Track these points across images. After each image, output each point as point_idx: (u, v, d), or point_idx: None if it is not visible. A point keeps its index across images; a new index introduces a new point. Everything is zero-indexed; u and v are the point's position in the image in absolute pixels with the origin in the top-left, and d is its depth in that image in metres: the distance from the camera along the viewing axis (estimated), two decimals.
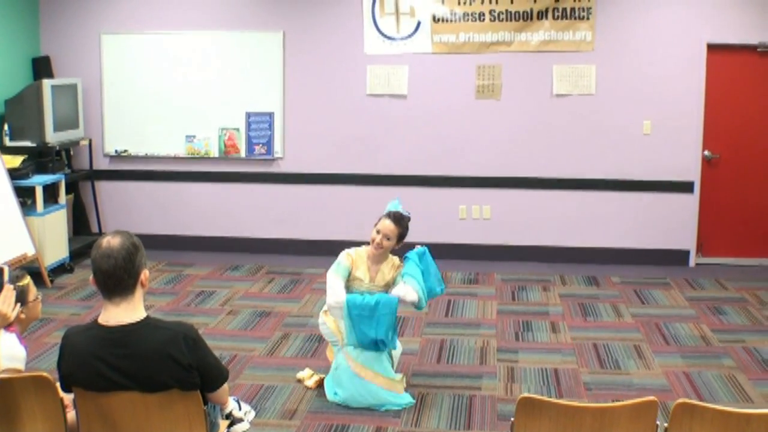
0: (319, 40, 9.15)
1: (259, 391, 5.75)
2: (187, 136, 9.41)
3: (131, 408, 3.25)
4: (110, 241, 3.21)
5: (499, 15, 8.81)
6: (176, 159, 9.49)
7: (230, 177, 9.46)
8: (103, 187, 9.69)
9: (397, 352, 5.77)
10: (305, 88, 9.23)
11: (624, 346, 6.62)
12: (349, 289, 5.51)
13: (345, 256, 5.58)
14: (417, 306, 5.50)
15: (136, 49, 9.40)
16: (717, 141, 8.90)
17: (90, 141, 9.48)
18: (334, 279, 5.53)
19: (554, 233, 9.13)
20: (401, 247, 5.63)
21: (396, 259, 5.63)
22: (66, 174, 9.03)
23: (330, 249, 9.31)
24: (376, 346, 5.42)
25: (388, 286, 5.55)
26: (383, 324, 5.35)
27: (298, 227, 9.41)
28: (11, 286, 3.53)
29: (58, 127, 8.77)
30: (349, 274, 5.53)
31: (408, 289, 5.40)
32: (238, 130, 9.34)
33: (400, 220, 5.49)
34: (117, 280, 3.20)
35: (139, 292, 3.28)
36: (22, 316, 3.79)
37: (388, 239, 5.44)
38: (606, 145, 8.92)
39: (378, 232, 5.47)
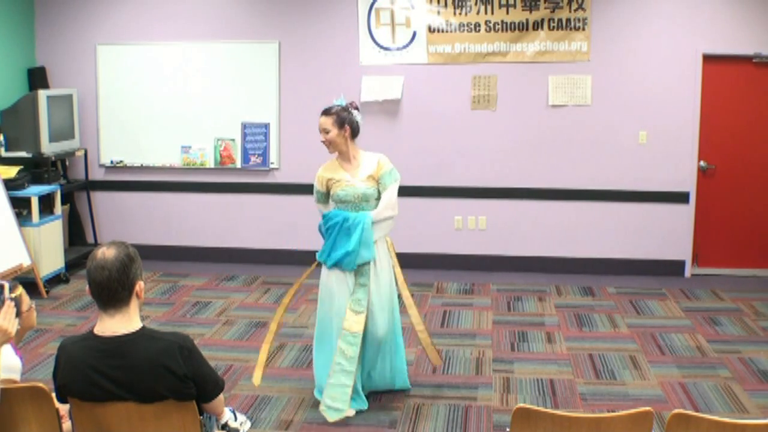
0: (315, 51, 9.17)
1: (255, 401, 5.74)
2: (182, 147, 9.41)
3: (127, 419, 3.24)
4: (105, 253, 3.21)
5: (494, 25, 8.83)
6: (172, 169, 9.49)
7: (226, 187, 9.46)
8: (99, 197, 9.69)
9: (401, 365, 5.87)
10: (301, 99, 9.24)
11: (620, 356, 6.62)
12: (335, 194, 5.50)
13: (316, 180, 5.62)
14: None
15: (132, 59, 9.41)
16: (712, 151, 8.92)
17: (86, 151, 9.48)
18: (321, 208, 5.66)
19: (550, 244, 9.13)
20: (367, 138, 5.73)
21: (378, 157, 5.61)
22: (62, 184, 9.02)
23: None
24: (348, 257, 5.40)
25: (375, 180, 5.51)
26: (354, 237, 5.37)
27: (294, 238, 9.40)
28: (12, 303, 3.52)
29: (53, 138, 8.77)
30: (328, 190, 5.55)
31: (378, 210, 5.46)
32: (233, 140, 9.35)
33: (329, 110, 5.50)
34: (111, 291, 3.20)
35: (134, 303, 3.28)
36: (17, 326, 3.78)
37: (328, 131, 5.46)
38: (602, 156, 8.94)
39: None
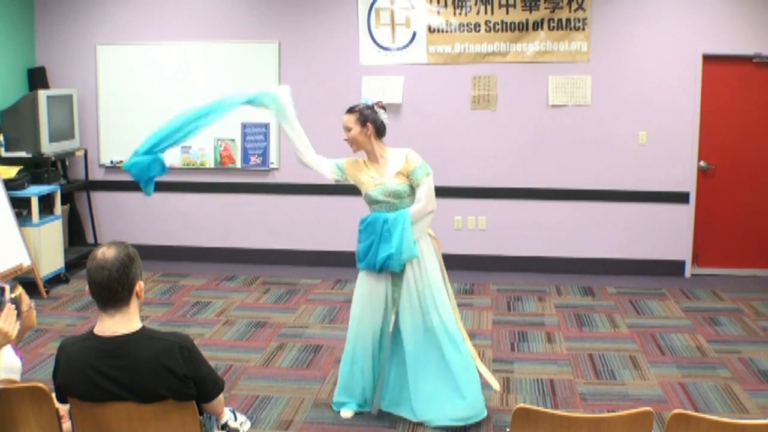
0: (315, 51, 9.17)
1: (255, 401, 5.74)
2: (182, 147, 9.39)
3: (127, 419, 3.24)
4: (105, 253, 3.22)
5: (494, 26, 8.83)
6: (172, 169, 9.39)
7: (226, 188, 9.46)
8: (99, 197, 9.69)
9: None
10: (301, 99, 9.11)
11: (620, 356, 6.62)
12: (367, 194, 5.37)
13: (341, 160, 5.52)
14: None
15: (132, 59, 9.41)
16: (712, 151, 8.92)
17: (86, 151, 9.48)
18: (320, 163, 5.57)
19: (550, 244, 9.13)
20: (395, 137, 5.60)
21: (406, 152, 5.42)
22: (61, 184, 9.02)
23: (325, 260, 9.36)
24: (391, 259, 5.25)
25: (406, 176, 5.35)
26: (395, 237, 5.24)
27: (294, 238, 9.41)
28: (12, 305, 3.51)
29: (53, 138, 8.77)
30: (345, 171, 5.46)
31: (417, 207, 5.34)
32: (233, 140, 9.35)
33: (352, 108, 5.41)
34: (111, 291, 3.20)
35: (134, 304, 3.28)
36: (18, 328, 3.78)
37: (349, 129, 5.36)
38: (601, 156, 8.94)
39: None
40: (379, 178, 5.35)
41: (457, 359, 5.33)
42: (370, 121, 5.33)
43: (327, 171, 5.51)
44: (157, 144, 5.28)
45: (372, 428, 5.35)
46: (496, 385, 5.59)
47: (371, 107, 5.38)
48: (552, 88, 8.89)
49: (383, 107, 5.44)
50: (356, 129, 5.34)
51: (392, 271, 5.30)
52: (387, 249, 5.22)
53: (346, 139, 5.42)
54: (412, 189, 5.35)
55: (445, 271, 5.53)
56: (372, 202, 5.37)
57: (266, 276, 8.98)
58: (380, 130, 5.40)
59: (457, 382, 5.32)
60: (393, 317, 5.41)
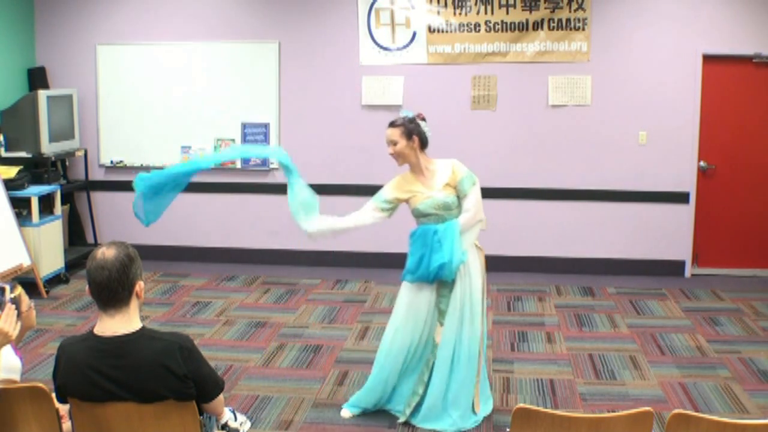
0: (315, 51, 9.17)
1: (255, 401, 5.74)
2: (182, 147, 9.41)
3: (127, 419, 3.24)
4: (105, 253, 3.21)
5: (494, 26, 8.83)
6: None
7: (226, 188, 9.46)
8: (99, 197, 9.69)
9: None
10: (301, 99, 9.24)
11: (620, 356, 6.62)
12: (415, 208, 5.32)
13: (384, 190, 5.43)
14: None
15: (132, 59, 9.41)
16: (712, 151, 8.93)
17: (85, 151, 9.48)
18: (373, 207, 5.43)
19: (550, 244, 9.13)
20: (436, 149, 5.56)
21: (452, 162, 5.38)
22: (61, 185, 9.02)
23: (325, 260, 9.36)
24: (444, 269, 5.22)
25: (453, 187, 5.30)
26: (446, 247, 5.21)
27: (294, 238, 9.40)
28: (13, 306, 3.51)
29: (53, 138, 8.77)
30: (395, 203, 5.37)
31: (466, 217, 5.29)
32: (233, 140, 9.35)
33: (394, 121, 5.36)
34: (111, 291, 3.20)
35: (134, 304, 3.28)
36: (18, 329, 3.77)
37: (395, 143, 5.29)
38: (601, 156, 8.94)
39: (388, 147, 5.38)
40: (426, 192, 5.30)
41: (461, 374, 5.34)
42: (416, 134, 5.30)
43: (373, 220, 5.44)
44: (163, 184, 5.54)
45: (372, 428, 5.34)
46: (477, 409, 5.50)
47: (413, 120, 5.34)
48: (552, 88, 8.90)
49: (424, 119, 5.41)
50: (402, 143, 5.29)
51: (444, 280, 5.28)
52: (439, 259, 5.19)
53: (391, 153, 5.35)
54: (459, 200, 5.32)
55: (485, 285, 5.50)
56: (420, 215, 5.33)
57: (266, 276, 8.98)
58: (424, 142, 5.38)
59: (453, 394, 5.36)
60: (440, 329, 5.36)
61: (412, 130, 5.29)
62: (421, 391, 5.41)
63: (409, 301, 5.37)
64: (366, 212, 5.43)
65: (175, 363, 3.20)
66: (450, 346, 5.30)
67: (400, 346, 5.37)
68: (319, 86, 9.18)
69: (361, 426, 5.37)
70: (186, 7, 9.29)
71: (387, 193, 5.41)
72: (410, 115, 5.37)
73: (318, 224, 5.45)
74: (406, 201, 5.36)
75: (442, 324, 5.34)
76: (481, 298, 5.37)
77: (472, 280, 5.33)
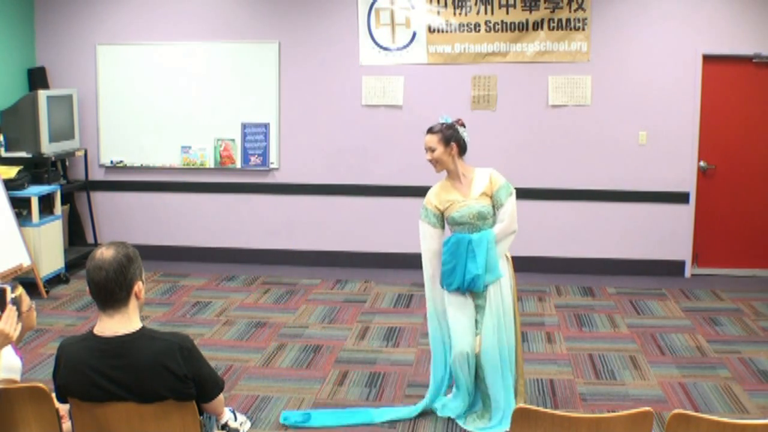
0: (315, 51, 9.17)
1: (255, 401, 5.74)
2: (182, 147, 9.41)
3: (127, 419, 3.24)
4: (103, 253, 3.21)
5: (494, 26, 8.83)
6: (172, 170, 9.49)
7: (226, 188, 9.46)
8: (99, 197, 9.68)
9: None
10: (301, 99, 9.24)
11: (620, 356, 6.62)
12: (450, 216, 5.32)
13: (427, 203, 5.39)
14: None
15: (132, 59, 9.41)
16: (712, 152, 8.93)
17: (86, 152, 9.48)
18: (425, 228, 5.39)
19: (550, 244, 9.13)
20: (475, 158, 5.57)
21: (490, 172, 5.43)
22: (61, 185, 9.02)
23: (325, 260, 9.36)
24: (477, 280, 5.22)
25: (489, 197, 5.34)
26: (480, 258, 5.21)
27: (294, 238, 9.41)
28: (14, 307, 3.51)
29: (53, 138, 8.77)
30: (441, 212, 5.34)
31: (500, 227, 5.32)
32: (233, 140, 9.35)
33: (432, 128, 5.34)
34: (109, 292, 3.19)
35: (133, 304, 3.27)
36: (19, 329, 3.77)
37: (434, 150, 5.28)
38: (601, 156, 8.94)
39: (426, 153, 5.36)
40: (462, 200, 5.30)
41: (502, 379, 5.35)
42: (454, 141, 5.29)
43: (439, 242, 5.39)
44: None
45: (372, 428, 5.34)
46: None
47: (452, 125, 5.33)
48: (552, 88, 8.89)
49: (463, 125, 5.40)
50: (440, 149, 5.28)
51: (476, 291, 5.28)
52: (473, 270, 5.20)
53: (429, 160, 5.34)
54: (494, 209, 5.34)
55: (515, 293, 5.51)
56: (455, 223, 5.31)
57: (266, 276, 8.98)
58: (463, 149, 5.37)
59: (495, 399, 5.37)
60: (477, 339, 5.35)
61: (450, 137, 5.29)
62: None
63: (460, 306, 5.34)
64: (430, 243, 5.39)
65: (175, 363, 3.19)
66: (492, 353, 5.29)
67: (462, 351, 5.32)
68: (319, 86, 9.18)
69: (361, 426, 5.37)
70: (186, 7, 9.29)
71: (430, 208, 5.38)
72: (449, 121, 5.35)
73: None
74: (445, 210, 5.35)
75: (477, 334, 5.33)
76: (511, 307, 5.39)
77: (503, 289, 5.35)
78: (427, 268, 5.40)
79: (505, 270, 5.42)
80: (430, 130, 5.33)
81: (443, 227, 5.40)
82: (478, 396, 5.47)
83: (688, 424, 3.22)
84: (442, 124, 5.34)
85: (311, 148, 9.22)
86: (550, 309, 7.89)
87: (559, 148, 8.97)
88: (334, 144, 9.24)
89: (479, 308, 5.33)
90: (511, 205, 5.36)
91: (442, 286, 5.37)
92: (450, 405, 5.51)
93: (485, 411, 5.40)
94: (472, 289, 5.27)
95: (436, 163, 5.33)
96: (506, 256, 5.48)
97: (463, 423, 5.39)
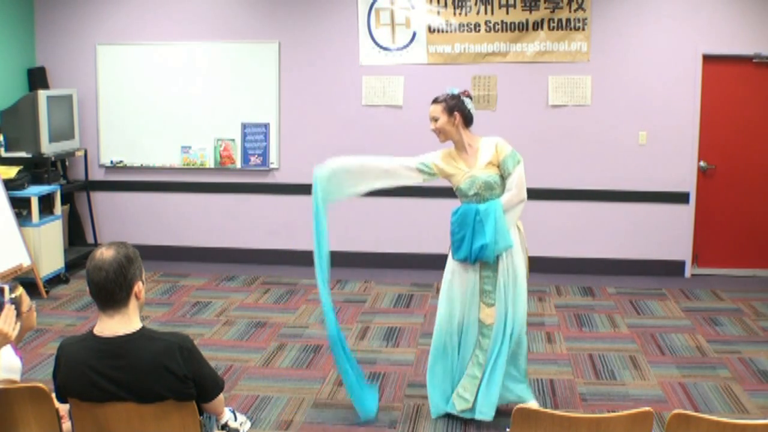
0: (315, 51, 9.17)
1: (255, 401, 5.74)
2: (182, 147, 9.41)
3: (127, 419, 3.24)
4: (103, 254, 3.21)
5: (494, 26, 8.83)
6: (172, 170, 9.49)
7: (226, 188, 9.46)
8: (99, 197, 9.68)
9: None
10: (301, 99, 9.24)
11: (620, 356, 6.62)
12: (458, 188, 5.32)
13: (430, 158, 5.41)
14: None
15: (132, 60, 9.41)
16: (712, 152, 8.93)
17: (85, 152, 9.48)
18: (412, 164, 5.42)
19: (550, 244, 9.13)
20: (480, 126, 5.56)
21: (496, 141, 5.39)
22: (61, 185, 9.02)
23: None
24: (485, 250, 5.20)
25: (496, 166, 5.30)
26: (489, 228, 5.18)
27: (294, 238, 9.40)
28: (12, 306, 3.51)
29: (53, 138, 8.77)
30: (436, 173, 5.36)
31: (508, 197, 5.26)
32: (233, 140, 9.35)
33: (437, 98, 5.37)
34: (108, 292, 3.19)
35: (133, 304, 3.27)
36: (18, 329, 3.77)
37: (437, 119, 5.31)
38: (602, 156, 8.94)
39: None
40: (468, 170, 5.30)
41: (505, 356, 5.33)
42: (458, 110, 5.31)
43: (407, 175, 5.43)
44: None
45: (372, 428, 5.34)
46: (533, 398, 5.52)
47: (457, 96, 5.34)
48: (552, 88, 8.90)
49: (469, 96, 5.41)
50: (443, 119, 5.31)
51: (486, 261, 5.26)
52: (481, 239, 5.18)
53: (433, 129, 5.37)
54: (502, 179, 5.30)
55: (527, 265, 5.48)
56: (463, 195, 5.32)
57: (266, 276, 8.98)
58: (468, 119, 5.38)
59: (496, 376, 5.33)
60: (490, 310, 5.33)
61: (454, 107, 5.31)
62: (479, 373, 5.36)
63: (459, 282, 5.35)
64: (403, 162, 5.43)
65: (175, 363, 3.19)
66: (503, 323, 5.28)
67: (453, 329, 5.35)
68: (319, 86, 9.18)
69: (361, 426, 5.37)
70: (186, 7, 9.29)
71: (431, 158, 5.41)
72: (455, 91, 5.37)
73: (342, 160, 5.49)
74: (448, 177, 5.35)
75: (488, 305, 5.32)
76: (524, 279, 5.36)
77: (514, 259, 5.31)
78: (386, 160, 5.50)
79: (517, 240, 5.36)
80: (435, 100, 5.38)
81: (422, 179, 5.42)
82: (459, 371, 5.44)
83: (688, 424, 3.22)
84: (447, 94, 5.36)
85: (311, 148, 9.21)
86: (550, 309, 7.89)
87: (559, 148, 8.97)
88: (334, 144, 9.21)
89: (488, 279, 5.31)
90: (519, 173, 5.30)
91: (454, 258, 5.37)
92: (439, 395, 5.49)
93: (467, 384, 5.39)
94: (481, 259, 5.24)
95: (439, 132, 5.37)
96: (518, 227, 5.43)
97: (452, 408, 5.40)
